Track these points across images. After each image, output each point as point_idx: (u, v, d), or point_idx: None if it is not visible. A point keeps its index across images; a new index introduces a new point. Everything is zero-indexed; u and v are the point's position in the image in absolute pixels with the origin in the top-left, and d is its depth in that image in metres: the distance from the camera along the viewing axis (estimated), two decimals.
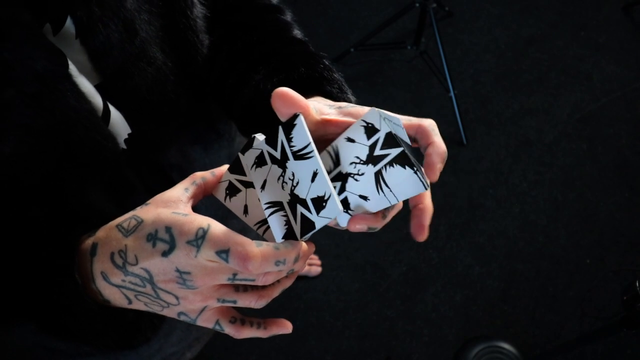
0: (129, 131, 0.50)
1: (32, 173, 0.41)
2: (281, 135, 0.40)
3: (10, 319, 0.44)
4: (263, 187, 0.41)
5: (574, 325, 1.64)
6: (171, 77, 0.51)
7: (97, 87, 0.45)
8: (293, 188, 0.40)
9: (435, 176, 0.40)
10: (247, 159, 0.42)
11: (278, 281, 0.41)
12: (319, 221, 0.38)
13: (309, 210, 0.39)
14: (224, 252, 0.35)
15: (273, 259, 0.36)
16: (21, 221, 0.45)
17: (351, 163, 0.42)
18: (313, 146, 0.39)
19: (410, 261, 1.76)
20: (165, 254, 0.36)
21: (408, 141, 0.43)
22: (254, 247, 0.35)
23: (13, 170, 0.40)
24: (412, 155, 0.41)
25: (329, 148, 0.42)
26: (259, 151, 0.42)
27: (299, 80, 0.50)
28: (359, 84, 2.12)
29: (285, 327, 0.43)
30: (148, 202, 0.40)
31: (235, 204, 0.43)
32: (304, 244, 0.39)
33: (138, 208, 0.40)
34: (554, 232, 1.82)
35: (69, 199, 0.46)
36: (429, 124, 0.42)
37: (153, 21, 0.47)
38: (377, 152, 0.41)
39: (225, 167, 0.44)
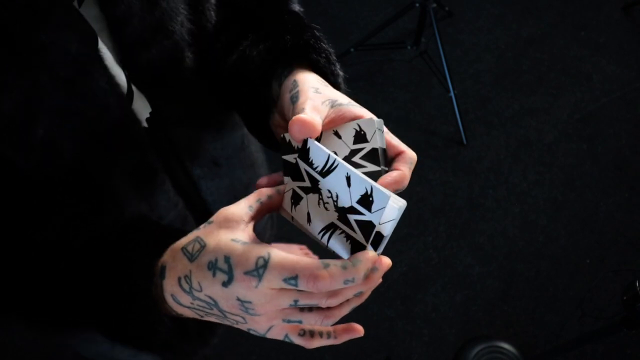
0: (150, 110, 0.51)
1: (64, 156, 0.41)
2: (302, 165, 0.41)
3: (77, 326, 0.45)
4: (309, 220, 0.41)
5: (574, 325, 1.64)
6: (188, 54, 0.51)
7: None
8: (336, 203, 0.39)
9: None
10: (286, 203, 0.42)
11: (347, 300, 0.40)
12: (375, 216, 0.37)
13: (361, 213, 0.38)
14: (292, 279, 0.35)
15: (341, 279, 0.35)
16: (96, 239, 0.46)
17: None
18: (334, 156, 0.39)
19: (410, 261, 1.76)
20: (225, 284, 0.36)
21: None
22: (322, 270, 0.35)
23: (46, 153, 0.40)
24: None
25: None
26: (291, 191, 0.42)
27: (283, 48, 0.49)
28: (359, 84, 2.12)
29: (357, 331, 0.42)
30: (211, 219, 0.40)
31: (299, 214, 0.42)
32: (373, 253, 0.38)
33: (202, 227, 0.40)
34: (554, 232, 1.82)
35: (96, 184, 0.47)
36: (410, 156, 0.43)
37: None
38: (356, 159, 0.42)
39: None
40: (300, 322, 0.39)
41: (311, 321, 0.39)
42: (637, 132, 2.04)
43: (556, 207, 1.87)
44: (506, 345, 1.57)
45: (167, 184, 0.55)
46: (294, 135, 0.40)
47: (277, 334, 0.40)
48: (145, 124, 0.50)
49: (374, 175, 0.41)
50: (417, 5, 1.92)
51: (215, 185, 0.64)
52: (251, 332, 0.40)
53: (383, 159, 0.42)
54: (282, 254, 0.36)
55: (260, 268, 0.35)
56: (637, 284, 0.94)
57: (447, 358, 1.60)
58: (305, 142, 0.40)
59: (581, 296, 1.69)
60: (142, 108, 0.49)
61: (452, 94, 1.95)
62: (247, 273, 0.35)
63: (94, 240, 0.46)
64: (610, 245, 1.79)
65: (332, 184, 0.39)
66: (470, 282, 1.72)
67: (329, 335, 0.42)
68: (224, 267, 0.36)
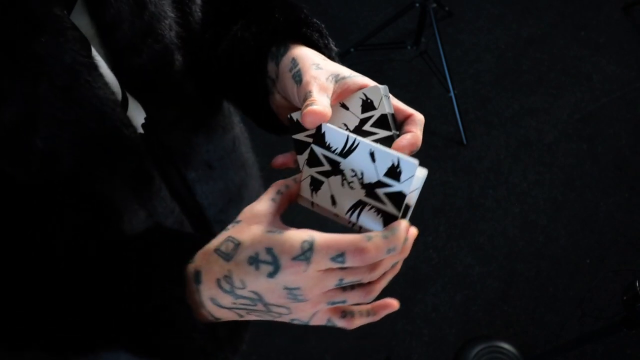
0: (144, 115, 0.50)
1: (62, 166, 0.41)
2: (319, 150, 0.41)
3: (97, 345, 0.44)
4: (334, 202, 0.41)
5: (574, 325, 1.64)
6: (178, 57, 0.51)
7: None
8: (361, 181, 0.40)
9: None
10: (304, 190, 0.42)
11: (383, 274, 0.41)
12: (405, 186, 0.38)
13: (390, 185, 0.39)
14: (340, 257, 0.36)
15: (385, 248, 0.36)
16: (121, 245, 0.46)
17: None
18: (353, 135, 0.39)
19: (410, 261, 1.76)
20: (270, 275, 0.36)
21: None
22: (367, 243, 0.36)
23: (45, 163, 0.40)
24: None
25: None
26: (309, 178, 0.42)
27: (276, 26, 0.49)
28: None
29: (393, 305, 0.44)
30: (238, 219, 0.40)
31: (322, 198, 0.42)
32: (406, 221, 0.39)
33: (230, 227, 0.40)
34: (554, 232, 1.82)
35: (95, 192, 0.46)
36: (419, 118, 0.44)
37: None
38: (366, 127, 0.43)
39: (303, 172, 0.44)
40: (344, 302, 0.40)
41: (355, 299, 0.40)
42: (637, 132, 2.04)
43: (556, 207, 1.87)
44: (506, 345, 1.57)
45: (164, 190, 0.55)
46: (307, 126, 0.40)
47: (320, 319, 0.41)
48: (141, 130, 0.50)
49: (387, 140, 0.42)
50: (417, 5, 1.92)
51: (210, 188, 0.64)
52: (294, 322, 0.41)
53: (393, 124, 0.43)
54: (324, 234, 0.37)
55: (307, 251, 0.36)
56: (637, 284, 0.94)
57: (447, 358, 1.60)
58: (319, 127, 0.41)
59: (581, 296, 1.69)
60: (137, 114, 0.49)
61: (452, 94, 1.95)
62: (294, 259, 0.36)
63: (109, 251, 0.46)
64: (610, 245, 1.79)
65: (355, 162, 0.39)
66: (470, 282, 1.72)
67: (368, 313, 0.43)
68: (268, 258, 0.36)
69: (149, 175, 0.52)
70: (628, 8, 2.37)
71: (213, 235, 0.65)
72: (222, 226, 0.69)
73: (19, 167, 0.39)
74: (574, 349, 1.41)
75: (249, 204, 0.71)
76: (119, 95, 0.46)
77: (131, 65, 0.46)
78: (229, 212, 0.69)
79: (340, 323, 0.41)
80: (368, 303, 0.42)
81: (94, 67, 0.41)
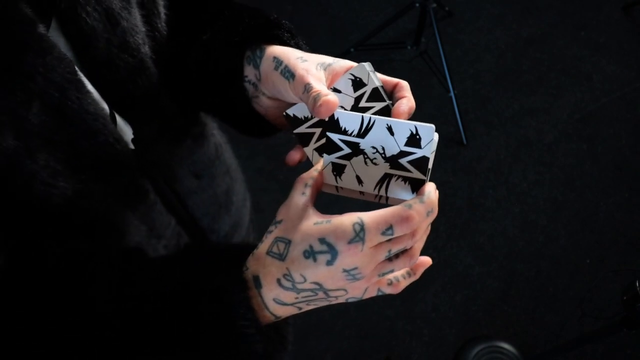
0: (132, 131, 0.50)
1: (58, 184, 0.41)
2: (335, 136, 0.43)
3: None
4: (360, 182, 0.43)
5: (574, 325, 1.64)
6: (154, 70, 0.51)
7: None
8: (384, 155, 0.42)
9: None
10: (327, 178, 0.44)
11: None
12: (426, 150, 0.40)
13: (412, 153, 0.41)
14: (389, 230, 0.38)
15: (425, 211, 0.39)
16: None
17: None
18: (368, 115, 0.41)
19: None
20: (329, 262, 0.38)
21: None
22: (409, 211, 0.38)
23: (42, 184, 0.40)
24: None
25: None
26: (330, 165, 0.43)
27: (247, 31, 0.49)
28: None
29: (427, 262, 0.47)
30: (277, 220, 0.42)
31: (347, 181, 0.44)
32: (433, 183, 0.42)
33: (273, 229, 0.41)
34: (554, 232, 1.82)
35: (94, 211, 0.46)
36: (405, 84, 0.46)
37: (132, 11, 0.47)
38: (362, 104, 0.45)
39: (322, 161, 0.45)
40: (392, 271, 0.42)
41: (401, 265, 0.42)
42: (637, 132, 2.04)
43: (556, 207, 1.87)
44: (506, 345, 1.57)
45: (159, 204, 0.55)
46: (322, 116, 0.41)
47: (371, 291, 0.43)
48: (131, 146, 0.50)
49: (384, 110, 0.45)
50: (417, 5, 1.92)
51: (200, 197, 0.64)
52: (349, 300, 0.42)
53: (385, 95, 0.45)
54: (368, 213, 0.39)
55: (360, 232, 0.38)
56: (637, 284, 0.94)
57: (447, 358, 1.60)
58: (331, 115, 0.42)
59: (581, 296, 1.69)
60: (126, 130, 0.49)
61: (452, 94, 1.95)
62: (350, 242, 0.38)
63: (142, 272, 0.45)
64: (610, 245, 1.79)
65: (374, 139, 0.41)
66: (470, 282, 1.72)
67: (408, 274, 0.46)
68: (323, 248, 0.38)
69: (143, 189, 0.52)
70: (628, 8, 2.37)
71: (209, 242, 0.64)
72: (216, 235, 0.69)
73: (15, 188, 0.39)
74: (574, 349, 1.41)
75: (237, 208, 0.71)
76: (107, 112, 0.45)
77: (108, 81, 0.46)
78: (220, 219, 0.69)
79: (389, 290, 0.44)
80: None
81: (82, 84, 0.40)
